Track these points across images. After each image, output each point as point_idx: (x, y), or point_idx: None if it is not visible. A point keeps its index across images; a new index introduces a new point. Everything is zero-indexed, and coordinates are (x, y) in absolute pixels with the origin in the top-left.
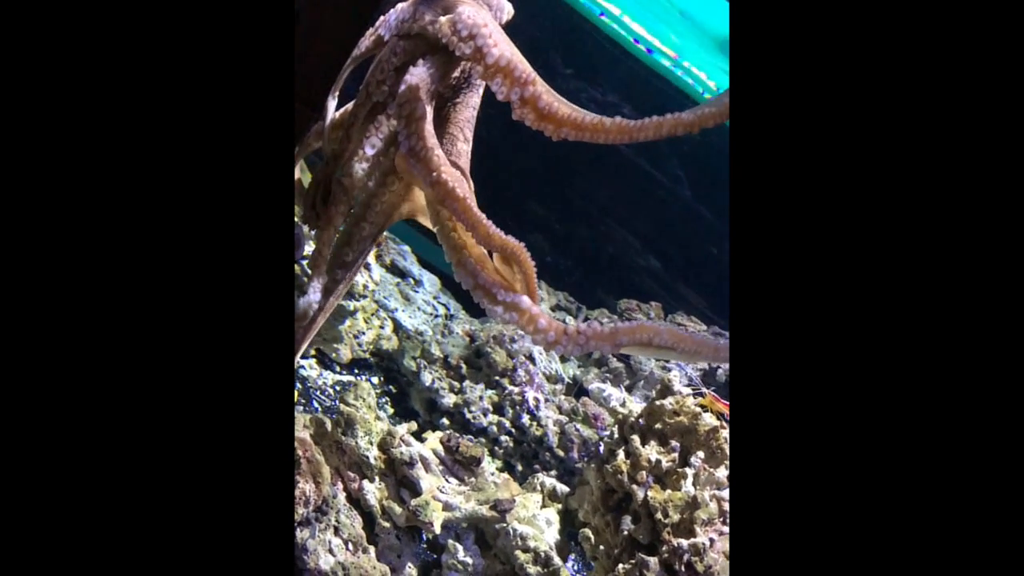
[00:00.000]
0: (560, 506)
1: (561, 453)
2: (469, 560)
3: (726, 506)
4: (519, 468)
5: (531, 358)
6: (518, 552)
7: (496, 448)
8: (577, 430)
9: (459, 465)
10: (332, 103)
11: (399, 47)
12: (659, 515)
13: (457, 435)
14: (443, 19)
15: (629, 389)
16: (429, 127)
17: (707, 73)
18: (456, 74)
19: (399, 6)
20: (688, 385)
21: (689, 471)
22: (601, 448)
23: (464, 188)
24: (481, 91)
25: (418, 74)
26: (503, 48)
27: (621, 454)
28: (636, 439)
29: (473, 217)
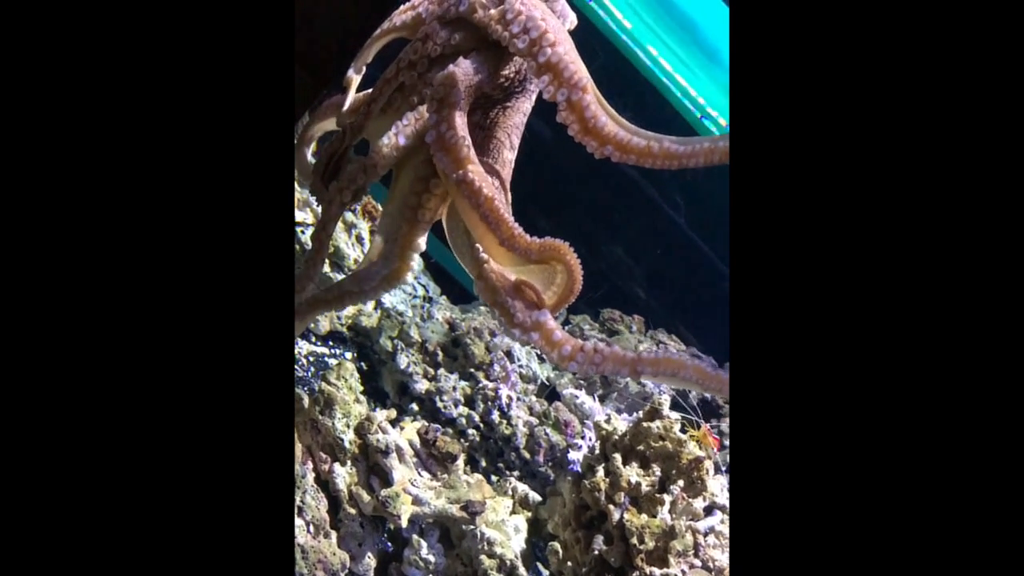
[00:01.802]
0: (530, 514)
1: (527, 455)
2: (431, 558)
3: (700, 539)
4: (483, 463)
5: (509, 354)
6: (483, 557)
7: (462, 440)
8: (546, 434)
9: (433, 459)
10: (356, 79)
11: (440, 35)
12: (634, 539)
13: (436, 428)
14: (494, 11)
15: (602, 399)
16: (461, 118)
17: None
18: (509, 75)
19: None
20: (685, 416)
21: (667, 498)
22: (570, 456)
23: (491, 187)
24: (534, 97)
25: (462, 67)
26: (559, 46)
27: (601, 471)
28: (619, 458)
29: (498, 216)
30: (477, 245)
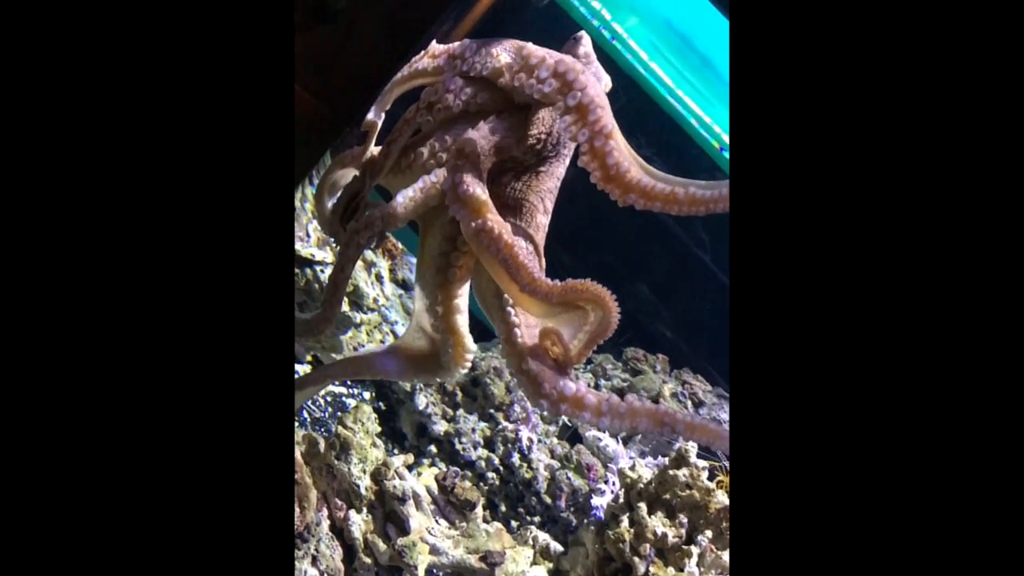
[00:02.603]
0: (551, 565)
1: (548, 500)
2: None
3: None
4: (502, 508)
5: None
6: None
7: (481, 484)
8: (568, 478)
9: (451, 507)
10: (377, 123)
11: (464, 91)
12: None
13: (454, 474)
14: (522, 73)
15: (626, 442)
16: (477, 174)
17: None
18: (541, 137)
19: (467, 41)
20: (713, 462)
21: (695, 550)
22: (593, 501)
23: (510, 234)
24: (568, 161)
25: (482, 131)
26: (590, 88)
27: (625, 521)
28: (643, 507)
29: (517, 262)
30: (506, 298)
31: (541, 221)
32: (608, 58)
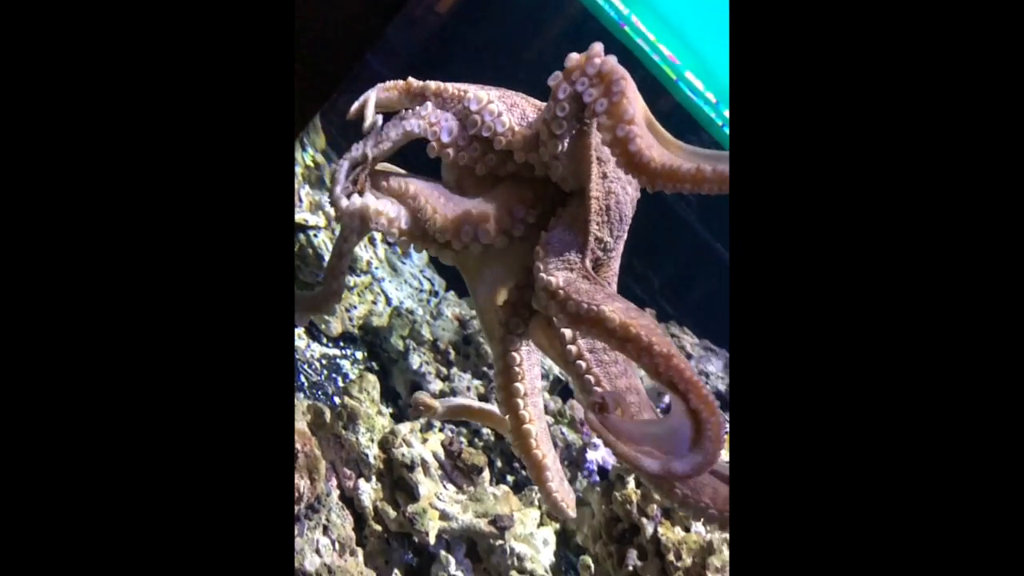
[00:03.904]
0: (558, 525)
1: None
2: (460, 574)
3: None
4: (498, 464)
5: None
6: (513, 573)
7: (476, 441)
8: (563, 433)
9: (459, 472)
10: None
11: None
12: (670, 556)
13: (460, 439)
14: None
15: None
16: (583, 294)
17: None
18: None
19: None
20: None
21: None
22: (587, 455)
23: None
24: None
25: (563, 274)
26: (630, 91)
27: (631, 482)
28: None
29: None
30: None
31: (615, 267)
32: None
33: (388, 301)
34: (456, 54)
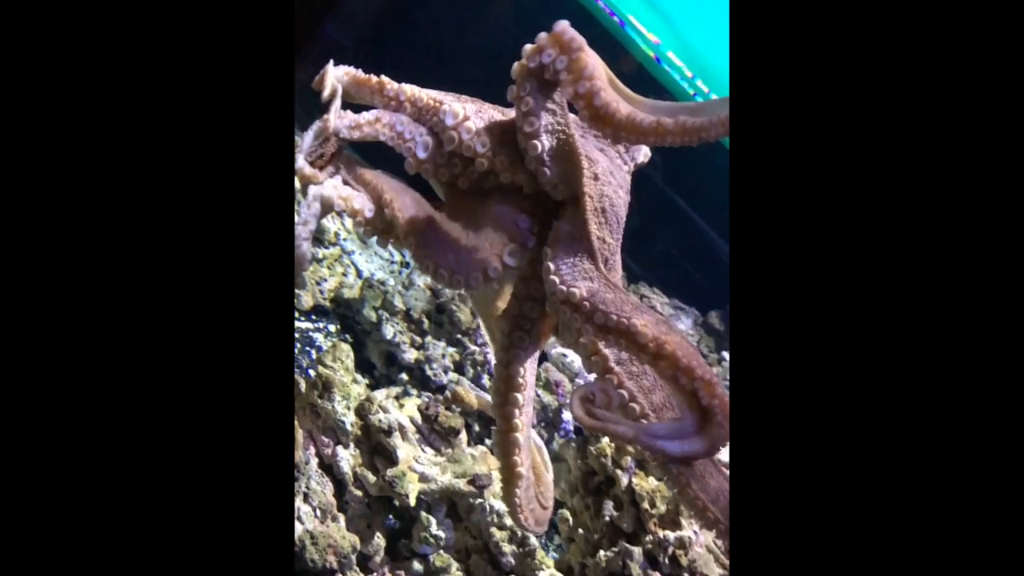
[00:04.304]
0: None
1: None
2: (441, 534)
3: None
4: (476, 428)
5: None
6: (494, 529)
7: (454, 408)
8: (538, 395)
9: (436, 435)
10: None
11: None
12: (645, 504)
13: (436, 403)
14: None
15: None
16: (613, 306)
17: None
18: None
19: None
20: None
21: None
22: (564, 416)
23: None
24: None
25: (585, 285)
26: (592, 61)
27: (605, 437)
28: None
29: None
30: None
31: (617, 263)
32: None
33: (359, 273)
34: (418, 20)
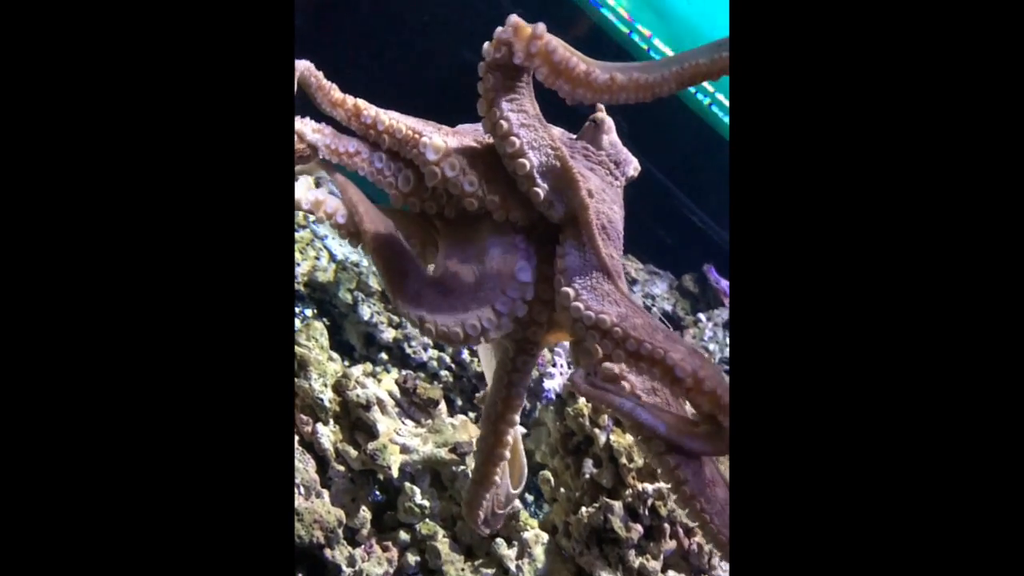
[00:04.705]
0: None
1: None
2: (426, 503)
3: None
4: (459, 403)
5: None
6: None
7: (436, 383)
8: None
9: (415, 407)
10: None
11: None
12: (623, 459)
13: (414, 376)
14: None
15: None
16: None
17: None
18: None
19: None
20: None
21: None
22: (544, 384)
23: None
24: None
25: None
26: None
27: (582, 398)
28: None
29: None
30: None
31: (617, 249)
32: None
33: (332, 256)
34: None
